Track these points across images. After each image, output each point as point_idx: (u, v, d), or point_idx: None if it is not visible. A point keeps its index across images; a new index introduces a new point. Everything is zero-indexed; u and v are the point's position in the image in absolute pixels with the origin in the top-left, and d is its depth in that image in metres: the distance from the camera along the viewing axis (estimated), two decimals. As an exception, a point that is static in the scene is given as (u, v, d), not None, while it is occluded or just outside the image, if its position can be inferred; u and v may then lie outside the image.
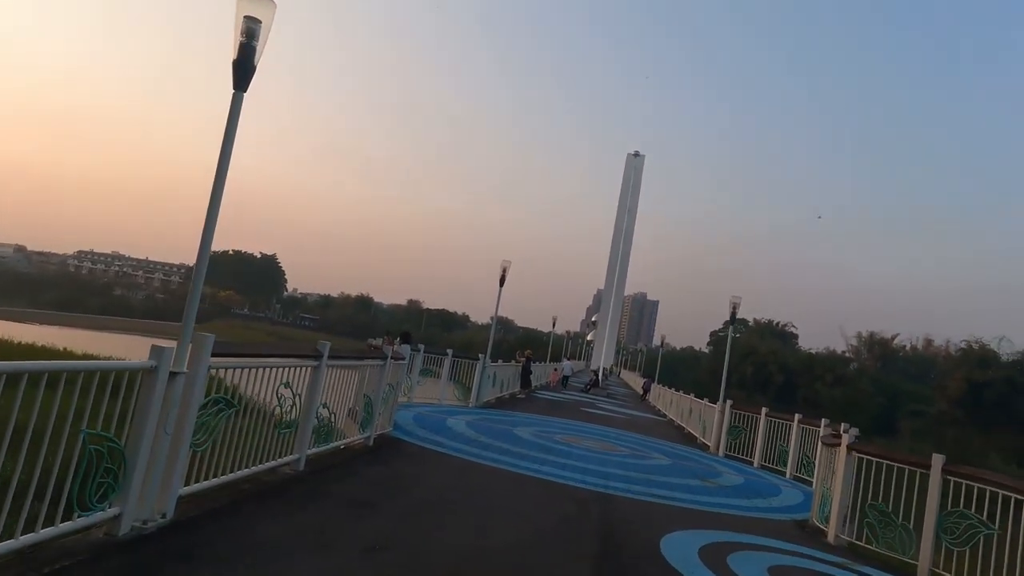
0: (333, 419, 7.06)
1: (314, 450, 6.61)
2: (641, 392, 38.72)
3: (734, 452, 14.73)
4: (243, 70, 4.39)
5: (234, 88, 4.46)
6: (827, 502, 7.69)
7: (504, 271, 16.68)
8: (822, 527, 7.70)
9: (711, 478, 10.88)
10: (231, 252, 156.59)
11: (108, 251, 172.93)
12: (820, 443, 8.90)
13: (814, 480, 9.20)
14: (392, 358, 8.78)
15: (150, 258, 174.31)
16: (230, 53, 4.40)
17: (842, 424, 8.88)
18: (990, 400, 67.06)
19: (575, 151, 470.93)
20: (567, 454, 10.60)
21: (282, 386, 5.75)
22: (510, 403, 19.14)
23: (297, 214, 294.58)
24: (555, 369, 35.97)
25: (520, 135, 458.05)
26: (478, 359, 16.25)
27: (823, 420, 10.89)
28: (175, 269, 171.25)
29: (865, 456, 7.39)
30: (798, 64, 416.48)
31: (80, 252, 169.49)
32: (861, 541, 7.10)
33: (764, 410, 13.99)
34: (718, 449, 15.11)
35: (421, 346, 14.60)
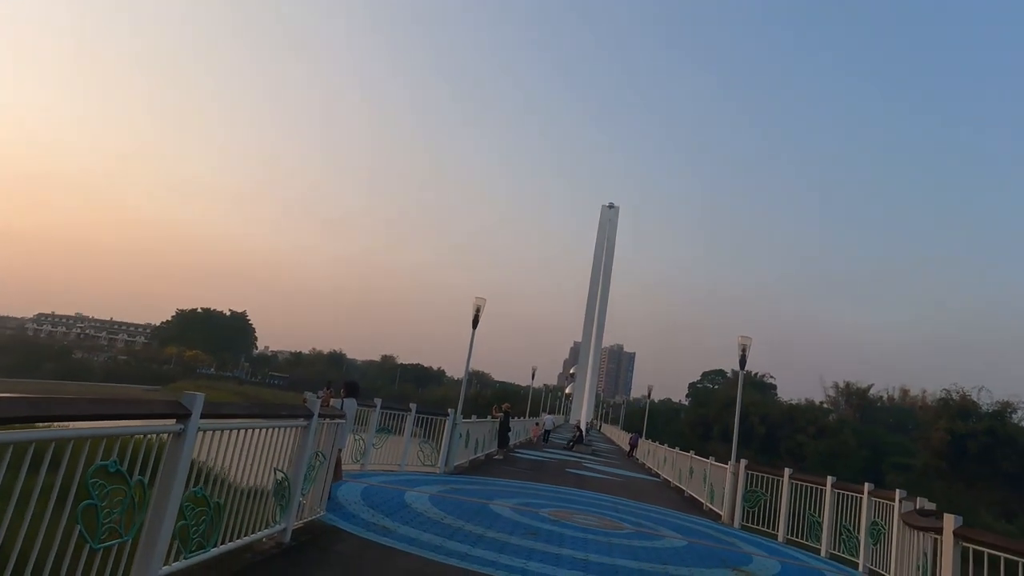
0: (218, 507, 4.68)
1: (176, 565, 4.21)
2: (628, 448, 36.07)
3: (752, 522, 12.39)
4: None
5: None
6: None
7: (478, 311, 14.52)
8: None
9: (742, 565, 8.53)
10: (200, 310, 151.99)
11: (70, 313, 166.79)
12: (901, 523, 6.71)
13: (858, 561, 6.89)
14: (322, 415, 6.47)
15: (114, 318, 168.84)
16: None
17: (917, 499, 6.75)
18: (973, 452, 65.71)
19: (549, 205, 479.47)
20: (560, 538, 8.19)
21: (105, 466, 3.44)
22: (486, 466, 16.56)
23: (270, 271, 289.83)
24: (536, 424, 34.91)
25: (494, 188, 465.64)
26: (447, 415, 13.85)
27: (898, 493, 8.67)
28: (139, 329, 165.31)
29: (979, 547, 5.24)
30: (773, 124, 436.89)
31: (40, 315, 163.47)
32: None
33: (788, 471, 11.78)
34: (732, 519, 12.75)
35: (378, 400, 12.17)
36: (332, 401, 8.17)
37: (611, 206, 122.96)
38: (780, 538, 11.54)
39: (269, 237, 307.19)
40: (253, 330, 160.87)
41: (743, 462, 12.87)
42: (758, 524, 12.22)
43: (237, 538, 5.07)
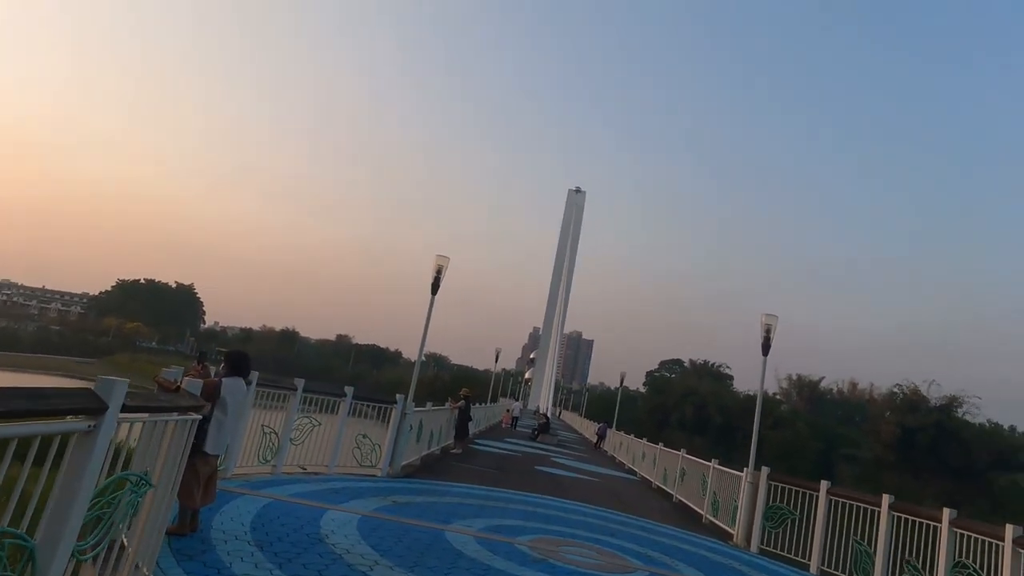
0: None
1: None
2: (595, 439, 33.81)
3: (774, 546, 9.88)
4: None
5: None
6: None
7: (439, 271, 11.45)
8: None
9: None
10: (143, 281, 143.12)
11: None
12: None
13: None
14: (149, 408, 3.42)
15: (46, 286, 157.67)
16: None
17: None
18: (922, 445, 67.02)
19: (512, 187, 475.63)
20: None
21: None
22: (441, 465, 13.65)
23: (223, 245, 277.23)
24: (507, 411, 34.61)
25: (456, 167, 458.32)
26: (395, 403, 10.82)
27: (1009, 528, 6.30)
28: (75, 299, 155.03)
29: None
30: (736, 110, 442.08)
31: None
32: None
33: (825, 485, 9.26)
34: (749, 541, 10.22)
35: (299, 382, 9.02)
36: (191, 381, 5.10)
37: (578, 190, 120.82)
38: (813, 569, 9.08)
39: (223, 209, 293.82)
40: (201, 304, 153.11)
41: (764, 470, 10.33)
42: (782, 548, 9.72)
43: None
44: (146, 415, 3.62)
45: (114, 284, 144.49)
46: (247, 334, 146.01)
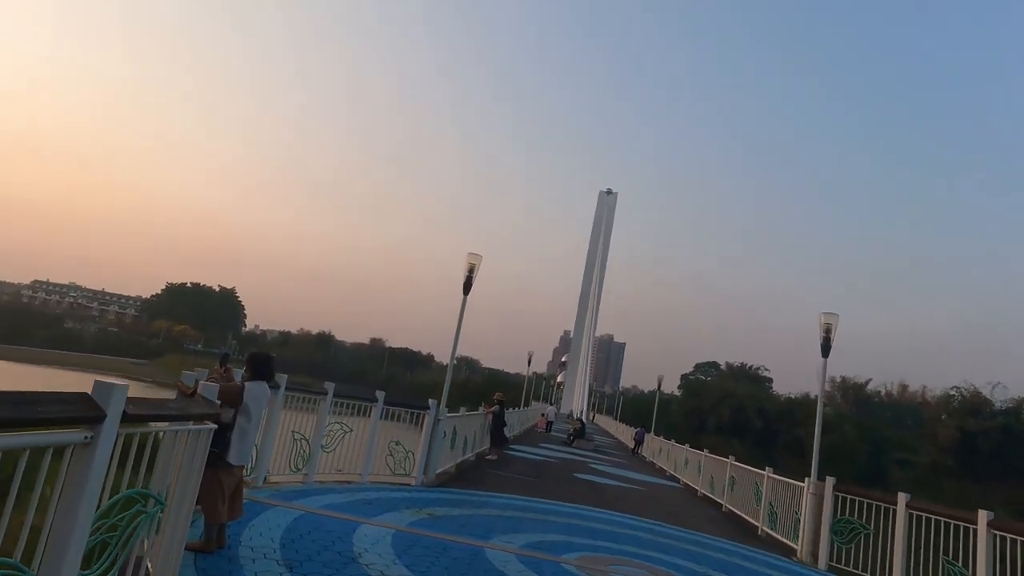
0: None
1: None
2: (632, 444, 32.86)
3: (844, 563, 9.02)
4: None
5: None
6: None
7: (471, 271, 10.94)
8: None
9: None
10: (189, 285, 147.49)
11: (65, 281, 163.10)
12: None
13: None
14: (159, 416, 2.98)
15: (106, 289, 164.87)
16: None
17: None
18: (986, 450, 63.74)
19: (542, 189, 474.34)
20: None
21: None
22: (476, 473, 13.12)
23: (266, 251, 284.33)
24: (542, 415, 35.15)
25: (489, 171, 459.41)
26: (428, 409, 10.35)
27: None
28: (130, 301, 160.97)
29: None
30: (778, 114, 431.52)
31: (36, 282, 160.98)
32: None
33: (904, 498, 8.37)
34: (817, 557, 9.37)
35: (329, 386, 8.62)
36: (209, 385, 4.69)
37: (609, 192, 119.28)
38: (891, 591, 8.21)
39: (263, 215, 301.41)
40: (242, 307, 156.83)
41: (830, 480, 9.46)
42: (855, 566, 8.84)
43: None
44: (152, 425, 3.19)
45: (163, 288, 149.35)
46: (285, 337, 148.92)
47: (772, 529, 11.12)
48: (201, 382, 4.38)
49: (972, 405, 68.08)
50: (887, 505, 8.58)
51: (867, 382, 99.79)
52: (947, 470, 66.14)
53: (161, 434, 3.24)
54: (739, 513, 13.15)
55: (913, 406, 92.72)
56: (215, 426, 3.77)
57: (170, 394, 5.38)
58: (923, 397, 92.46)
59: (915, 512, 8.26)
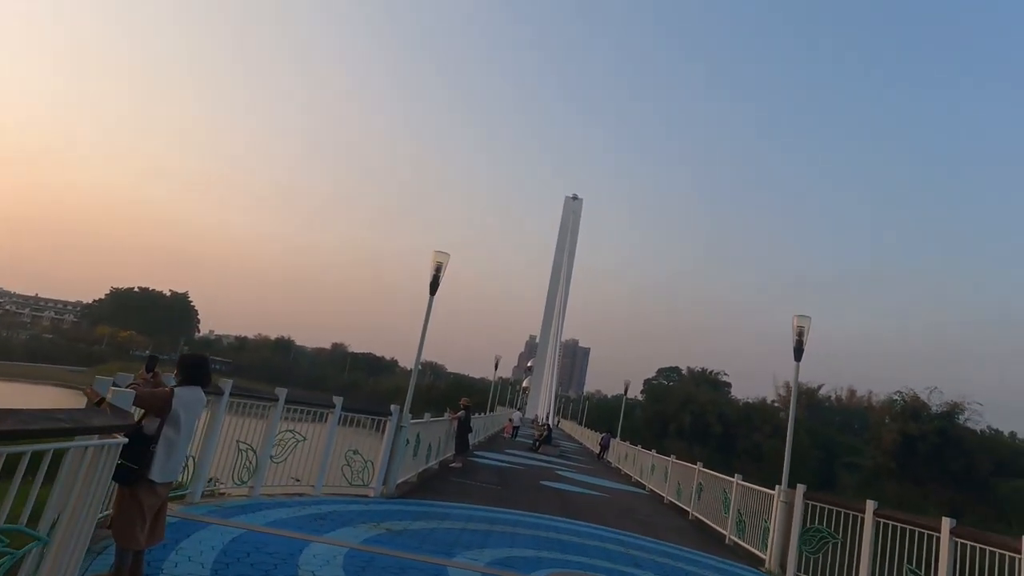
0: None
1: None
2: (598, 449, 32.69)
3: (812, 573, 8.83)
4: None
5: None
6: None
7: (438, 270, 10.40)
8: None
9: None
10: (136, 289, 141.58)
11: None
12: None
13: None
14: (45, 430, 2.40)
15: (39, 294, 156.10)
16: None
17: None
18: (924, 453, 66.03)
19: (509, 194, 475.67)
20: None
21: None
22: (440, 482, 12.56)
23: (219, 253, 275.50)
24: (509, 420, 34.76)
25: (452, 173, 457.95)
26: (390, 415, 9.77)
27: None
28: (69, 307, 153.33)
29: None
30: (735, 120, 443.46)
31: None
32: None
33: (871, 505, 8.24)
34: (784, 568, 9.17)
35: (281, 392, 7.96)
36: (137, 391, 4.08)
37: (575, 197, 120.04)
38: (860, 600, 8.04)
39: (217, 216, 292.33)
40: (196, 312, 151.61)
41: (800, 488, 9.30)
42: (822, 576, 8.67)
43: None
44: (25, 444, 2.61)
45: (107, 293, 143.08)
46: (241, 342, 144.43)
47: (740, 538, 10.93)
48: (113, 388, 3.77)
49: (912, 409, 70.36)
50: (855, 513, 8.43)
51: (819, 387, 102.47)
52: (890, 472, 68.23)
53: (47, 453, 2.66)
54: (706, 521, 12.96)
55: (860, 410, 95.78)
56: (124, 440, 3.19)
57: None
58: (869, 402, 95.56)
59: (882, 520, 8.13)
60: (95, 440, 2.99)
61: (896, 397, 75.98)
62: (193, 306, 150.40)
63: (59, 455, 3.05)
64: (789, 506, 9.42)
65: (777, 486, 9.81)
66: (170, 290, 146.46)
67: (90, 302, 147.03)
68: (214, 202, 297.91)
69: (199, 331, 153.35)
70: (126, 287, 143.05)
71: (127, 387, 4.44)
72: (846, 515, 8.63)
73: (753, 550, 10.26)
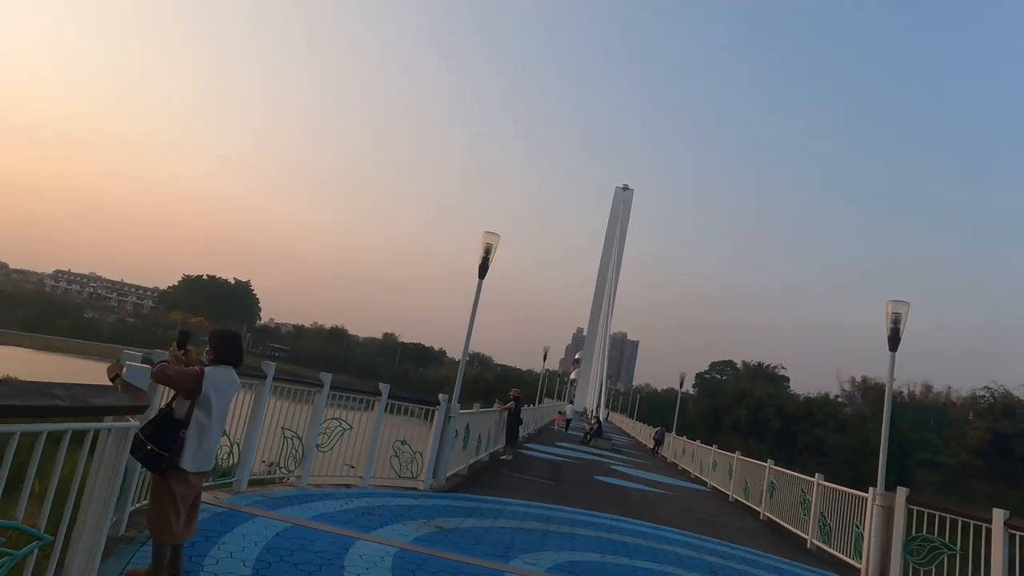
0: None
1: None
2: (652, 444, 31.57)
3: (920, 589, 7.73)
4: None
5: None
6: None
7: (488, 251, 9.76)
8: None
9: None
10: (205, 277, 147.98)
11: (86, 271, 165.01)
12: None
13: None
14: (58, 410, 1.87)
15: (125, 280, 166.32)
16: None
17: None
18: (1019, 452, 61.56)
19: (556, 185, 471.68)
20: None
21: None
22: (491, 475, 12.00)
23: (282, 245, 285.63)
24: (560, 413, 34.62)
25: (502, 166, 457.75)
26: (437, 405, 9.23)
27: None
28: (148, 293, 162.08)
29: None
30: (796, 116, 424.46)
31: (58, 271, 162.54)
32: None
33: (1002, 515, 7.08)
34: (884, 581, 8.11)
35: (325, 377, 7.52)
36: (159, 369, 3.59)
37: (625, 188, 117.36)
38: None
39: (280, 208, 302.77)
40: (257, 300, 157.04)
41: (902, 491, 8.18)
42: (931, 594, 7.56)
43: None
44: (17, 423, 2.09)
45: (180, 280, 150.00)
46: (299, 331, 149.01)
47: (825, 543, 9.85)
48: (128, 364, 3.27)
49: (1005, 406, 65.83)
50: (976, 523, 7.28)
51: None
52: (977, 472, 64.12)
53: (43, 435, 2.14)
54: (781, 523, 11.89)
55: (937, 407, 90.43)
56: (135, 424, 2.67)
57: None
58: (948, 398, 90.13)
59: (1015, 532, 6.95)
60: (102, 423, 2.48)
61: (983, 393, 71.50)
62: (255, 294, 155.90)
63: (57, 438, 2.56)
64: (886, 510, 8.32)
65: (872, 488, 8.70)
66: (234, 278, 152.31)
67: (166, 288, 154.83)
68: (277, 194, 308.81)
69: (260, 319, 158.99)
70: (196, 275, 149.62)
71: (158, 363, 3.98)
72: (963, 523, 7.49)
73: (843, 557, 9.18)
